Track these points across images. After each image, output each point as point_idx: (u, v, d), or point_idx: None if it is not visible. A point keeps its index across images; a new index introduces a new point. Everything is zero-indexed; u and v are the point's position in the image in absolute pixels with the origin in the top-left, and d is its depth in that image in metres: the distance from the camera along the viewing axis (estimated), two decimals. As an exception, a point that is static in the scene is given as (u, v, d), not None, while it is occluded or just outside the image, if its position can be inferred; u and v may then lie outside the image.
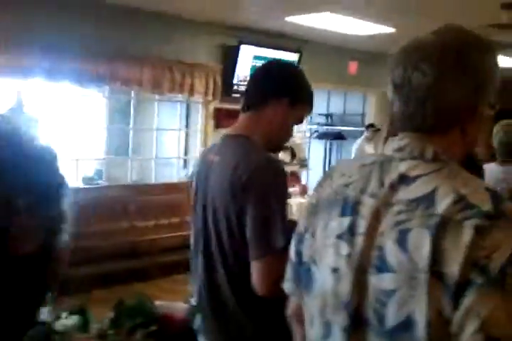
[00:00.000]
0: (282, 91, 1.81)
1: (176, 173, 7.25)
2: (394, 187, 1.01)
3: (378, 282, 0.97)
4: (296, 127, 2.09)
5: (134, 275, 5.25)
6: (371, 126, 8.21)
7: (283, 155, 7.22)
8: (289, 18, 5.87)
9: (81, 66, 5.35)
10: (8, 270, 0.57)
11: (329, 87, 7.78)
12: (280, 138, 1.89)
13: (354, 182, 1.08)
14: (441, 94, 1.02)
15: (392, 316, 0.95)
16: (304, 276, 1.15)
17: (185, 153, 7.31)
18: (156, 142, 7.32)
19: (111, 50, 5.54)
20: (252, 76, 1.92)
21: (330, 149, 9.91)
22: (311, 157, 9.24)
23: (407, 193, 0.98)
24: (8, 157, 0.57)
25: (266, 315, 1.71)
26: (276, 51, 6.72)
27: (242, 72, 6.65)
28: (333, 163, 9.74)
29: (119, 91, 6.44)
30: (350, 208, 1.05)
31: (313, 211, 1.16)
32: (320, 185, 1.19)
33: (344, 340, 1.03)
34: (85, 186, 6.19)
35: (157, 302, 3.06)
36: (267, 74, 1.88)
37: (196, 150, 6.95)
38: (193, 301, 2.98)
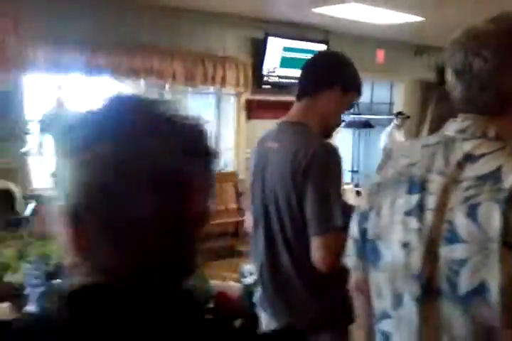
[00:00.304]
0: (335, 79, 1.88)
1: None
2: (460, 165, 1.06)
3: (450, 252, 1.02)
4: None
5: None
6: (400, 113, 8.25)
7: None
8: (316, 10, 5.86)
9: (117, 61, 5.48)
10: (176, 228, 0.65)
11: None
12: (332, 125, 1.96)
13: (419, 162, 1.13)
14: (501, 80, 1.05)
15: (465, 283, 1.00)
16: (370, 252, 1.20)
17: (217, 144, 7.38)
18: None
19: (146, 45, 5.67)
20: (304, 66, 1.97)
21: (358, 138, 9.91)
22: (340, 145, 9.22)
23: (474, 170, 1.04)
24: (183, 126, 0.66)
25: (327, 290, 1.80)
26: (303, 42, 6.74)
27: (272, 63, 6.69)
28: (361, 151, 9.73)
29: (153, 84, 6.54)
30: (418, 186, 1.10)
31: (376, 190, 1.20)
32: (382, 166, 1.24)
33: (416, 309, 1.09)
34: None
35: (211, 282, 3.20)
36: (319, 64, 1.95)
37: (229, 141, 7.02)
38: (246, 281, 3.14)
